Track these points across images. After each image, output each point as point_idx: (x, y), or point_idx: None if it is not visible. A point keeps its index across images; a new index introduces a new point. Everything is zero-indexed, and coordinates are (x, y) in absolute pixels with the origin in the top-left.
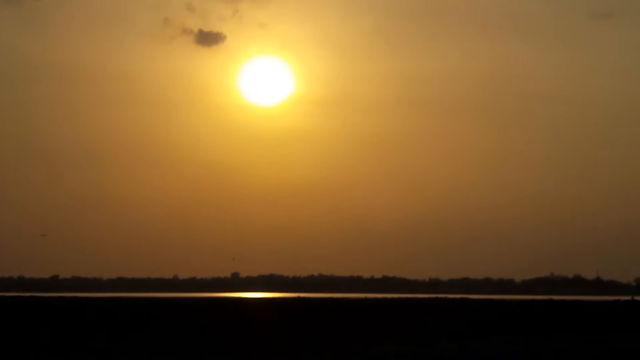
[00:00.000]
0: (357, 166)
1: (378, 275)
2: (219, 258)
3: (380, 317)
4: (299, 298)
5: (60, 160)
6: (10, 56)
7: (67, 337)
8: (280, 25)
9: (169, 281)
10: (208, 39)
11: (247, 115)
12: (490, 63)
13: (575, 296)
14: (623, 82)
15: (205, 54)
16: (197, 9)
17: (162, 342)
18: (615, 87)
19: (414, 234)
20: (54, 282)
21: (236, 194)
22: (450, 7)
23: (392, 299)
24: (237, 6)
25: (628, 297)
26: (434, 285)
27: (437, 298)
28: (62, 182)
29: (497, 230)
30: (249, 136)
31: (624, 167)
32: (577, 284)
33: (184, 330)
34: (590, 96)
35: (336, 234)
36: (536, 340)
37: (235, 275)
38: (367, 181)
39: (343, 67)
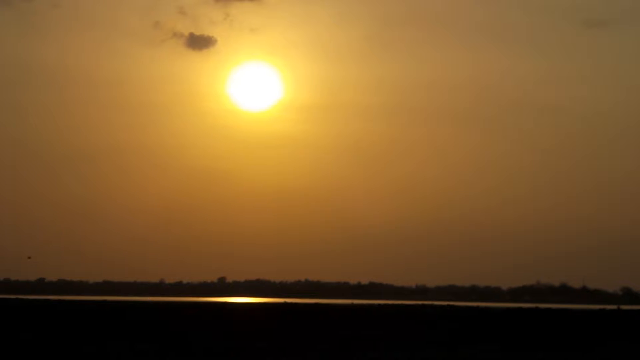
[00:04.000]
0: (344, 172)
1: (365, 281)
2: (205, 262)
3: (367, 323)
4: (285, 303)
5: (46, 164)
6: None
7: (52, 340)
8: (272, 30)
9: (155, 285)
10: (199, 42)
11: (236, 120)
12: (481, 71)
13: (561, 304)
14: (613, 90)
15: (196, 57)
16: (188, 12)
17: (147, 346)
18: (605, 95)
19: (401, 240)
20: (40, 285)
21: (223, 198)
22: (439, 15)
23: (379, 305)
24: (228, 10)
25: (614, 306)
26: (420, 291)
27: (423, 305)
28: (48, 185)
29: (483, 237)
30: (237, 141)
31: (611, 175)
32: (563, 292)
33: (170, 335)
34: (580, 105)
35: (323, 239)
36: (521, 349)
37: (221, 280)
38: (354, 187)
39: (332, 73)
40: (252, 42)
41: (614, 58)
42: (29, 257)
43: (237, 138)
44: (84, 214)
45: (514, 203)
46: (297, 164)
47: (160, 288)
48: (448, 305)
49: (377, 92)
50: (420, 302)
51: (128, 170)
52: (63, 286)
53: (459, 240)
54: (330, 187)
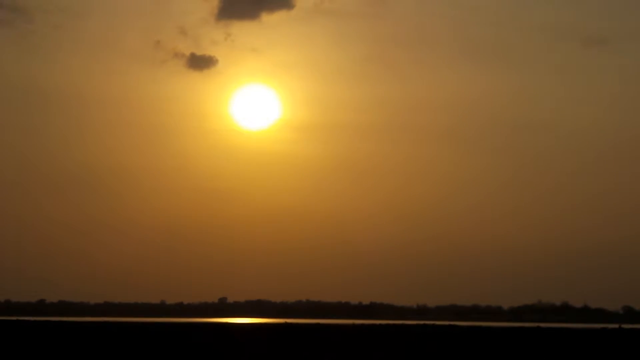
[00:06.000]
0: (344, 192)
1: (366, 301)
2: (206, 283)
3: (368, 343)
4: (286, 324)
5: (46, 185)
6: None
7: None
8: (272, 50)
9: (156, 306)
10: (200, 62)
11: (237, 139)
12: (480, 91)
13: (563, 324)
14: (615, 110)
15: (197, 77)
16: (189, 32)
17: None
18: (608, 115)
19: (402, 260)
20: (41, 306)
21: (223, 218)
22: (439, 34)
23: (380, 325)
24: (229, 30)
25: (615, 325)
26: (422, 311)
27: (424, 324)
28: (49, 207)
29: (485, 256)
30: (237, 160)
31: (615, 195)
32: (565, 311)
33: (171, 357)
34: (582, 125)
35: (324, 259)
36: None
37: (222, 300)
38: (354, 207)
39: (328, 93)
40: (253, 62)
41: (603, 77)
42: None
43: (238, 158)
44: (85, 235)
45: (516, 223)
46: (296, 182)
47: (161, 309)
48: (449, 325)
49: (373, 111)
50: (421, 322)
51: (129, 190)
52: (64, 307)
53: (460, 260)
54: (330, 206)
